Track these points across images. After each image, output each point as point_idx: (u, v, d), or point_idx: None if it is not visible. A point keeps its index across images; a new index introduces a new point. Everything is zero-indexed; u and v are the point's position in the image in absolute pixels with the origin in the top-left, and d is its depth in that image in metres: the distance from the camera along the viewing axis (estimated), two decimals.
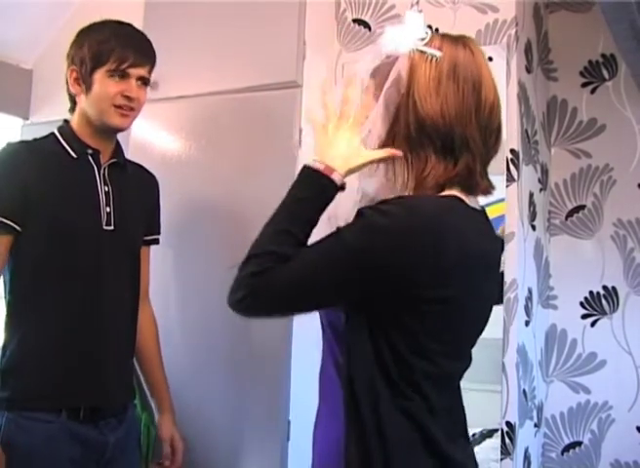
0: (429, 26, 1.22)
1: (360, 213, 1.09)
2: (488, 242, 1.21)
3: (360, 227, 1.07)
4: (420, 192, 1.15)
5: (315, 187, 1.15)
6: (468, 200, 1.16)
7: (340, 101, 1.21)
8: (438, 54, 1.16)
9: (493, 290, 1.31)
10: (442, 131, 1.13)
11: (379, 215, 1.06)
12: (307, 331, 2.09)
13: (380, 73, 1.21)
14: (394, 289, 1.06)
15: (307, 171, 1.15)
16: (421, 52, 1.17)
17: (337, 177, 1.14)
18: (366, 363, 1.10)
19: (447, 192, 1.15)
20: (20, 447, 1.59)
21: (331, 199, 1.16)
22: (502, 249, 1.33)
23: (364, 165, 1.18)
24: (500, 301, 1.93)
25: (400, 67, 1.17)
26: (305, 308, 1.17)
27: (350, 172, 1.17)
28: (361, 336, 1.10)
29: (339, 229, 1.09)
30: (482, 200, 1.24)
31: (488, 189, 1.20)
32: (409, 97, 1.15)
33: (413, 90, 1.15)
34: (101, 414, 1.72)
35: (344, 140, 1.18)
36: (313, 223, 1.15)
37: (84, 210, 1.72)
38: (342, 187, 1.16)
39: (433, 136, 1.14)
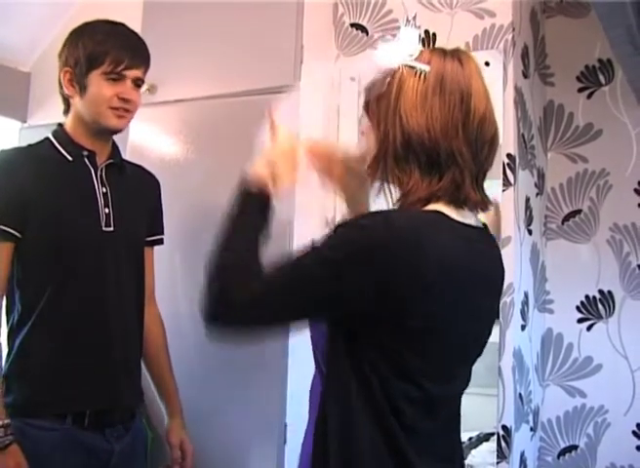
0: (426, 38, 1.22)
1: (337, 226, 1.09)
2: (481, 258, 1.18)
3: (336, 241, 1.08)
4: (403, 206, 1.14)
5: (255, 202, 1.23)
6: (458, 214, 1.14)
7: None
8: (426, 68, 1.15)
9: (490, 308, 1.27)
10: (427, 145, 1.12)
11: (355, 229, 1.07)
12: (305, 337, 2.09)
13: (374, 89, 1.22)
14: (373, 304, 1.05)
15: (244, 189, 1.24)
16: (410, 67, 1.16)
17: (268, 191, 1.23)
18: (344, 378, 1.09)
19: (431, 207, 1.13)
20: (25, 456, 1.57)
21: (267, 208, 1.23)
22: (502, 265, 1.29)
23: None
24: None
25: (388, 82, 1.18)
26: (283, 321, 1.17)
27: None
28: (339, 353, 1.10)
29: (314, 243, 1.10)
30: None
31: (481, 203, 1.18)
32: (395, 113, 1.15)
33: (399, 105, 1.15)
34: (108, 421, 1.70)
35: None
36: (266, 228, 1.22)
37: (82, 212, 1.71)
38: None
39: (418, 150, 1.13)
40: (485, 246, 1.21)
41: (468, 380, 1.24)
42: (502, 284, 1.29)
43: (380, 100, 1.18)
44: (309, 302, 1.09)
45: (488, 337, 1.25)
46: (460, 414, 1.25)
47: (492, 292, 1.25)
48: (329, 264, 1.06)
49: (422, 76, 1.15)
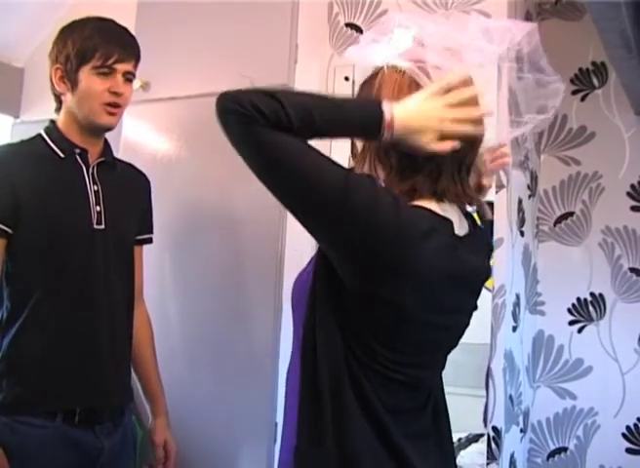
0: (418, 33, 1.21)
1: (374, 182, 1.09)
2: (462, 259, 1.17)
3: (373, 188, 1.07)
4: None
5: (365, 123, 1.11)
6: (441, 209, 1.15)
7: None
8: (407, 65, 1.16)
9: (469, 303, 1.27)
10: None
11: (389, 196, 1.07)
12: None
13: (365, 88, 1.23)
14: (346, 263, 1.07)
15: (375, 108, 1.11)
16: (393, 66, 1.18)
17: (385, 135, 1.11)
18: (323, 354, 1.11)
19: (417, 203, 1.14)
20: (13, 451, 1.57)
21: (361, 139, 1.18)
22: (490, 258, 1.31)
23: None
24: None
25: (371, 82, 1.19)
26: (270, 177, 1.10)
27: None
28: (321, 333, 1.11)
29: (351, 170, 1.10)
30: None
31: (464, 196, 1.18)
32: None
33: (378, 98, 1.15)
34: (98, 417, 1.70)
35: (426, 113, 1.13)
36: (330, 138, 1.16)
37: (74, 209, 1.71)
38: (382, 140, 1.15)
39: (397, 147, 1.14)
40: (472, 248, 1.21)
41: (443, 366, 1.26)
42: (485, 280, 1.30)
43: (363, 97, 1.21)
44: (307, 198, 1.07)
45: (465, 329, 1.26)
46: (444, 399, 1.28)
47: (472, 291, 1.26)
48: (350, 191, 1.04)
49: (403, 72, 1.17)
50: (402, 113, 1.11)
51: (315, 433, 1.10)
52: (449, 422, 1.29)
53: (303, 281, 1.19)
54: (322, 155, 1.08)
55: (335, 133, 1.14)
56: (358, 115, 1.12)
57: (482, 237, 1.32)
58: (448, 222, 1.14)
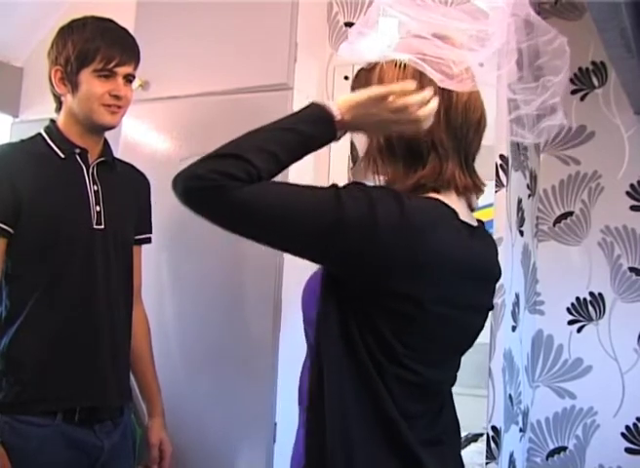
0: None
1: (361, 185, 1.07)
2: (477, 253, 1.17)
3: (362, 198, 1.04)
4: None
5: (321, 130, 1.11)
6: (448, 200, 1.14)
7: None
8: (405, 57, 1.15)
9: (483, 300, 1.25)
10: (407, 137, 1.13)
11: (367, 199, 1.04)
12: (294, 335, 2.09)
13: (358, 81, 1.22)
14: (362, 272, 1.05)
15: (322, 112, 1.11)
16: (392, 60, 1.17)
17: (339, 133, 1.11)
18: (337, 354, 1.08)
19: (429, 195, 1.13)
20: (14, 450, 1.57)
21: (320, 148, 1.13)
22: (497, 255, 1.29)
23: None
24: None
25: (369, 78, 1.18)
26: (258, 238, 1.09)
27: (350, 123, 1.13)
28: (332, 331, 1.08)
29: (336, 185, 1.07)
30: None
31: (473, 187, 1.18)
32: None
33: None
34: (98, 416, 1.71)
35: (369, 108, 1.12)
36: (294, 162, 1.11)
37: (74, 209, 1.71)
38: (337, 140, 1.14)
39: (400, 144, 1.14)
40: (481, 241, 1.21)
41: (457, 369, 1.24)
42: (498, 278, 1.29)
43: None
44: (300, 234, 1.04)
45: (480, 330, 1.25)
46: (452, 401, 1.25)
47: (484, 283, 1.24)
48: (343, 211, 1.02)
49: (402, 66, 1.16)
50: (348, 109, 1.11)
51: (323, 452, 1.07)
52: (459, 430, 1.28)
53: (314, 285, 1.17)
54: (296, 185, 1.07)
55: (297, 157, 1.11)
56: (311, 128, 1.10)
57: (488, 233, 1.32)
58: (454, 212, 1.13)
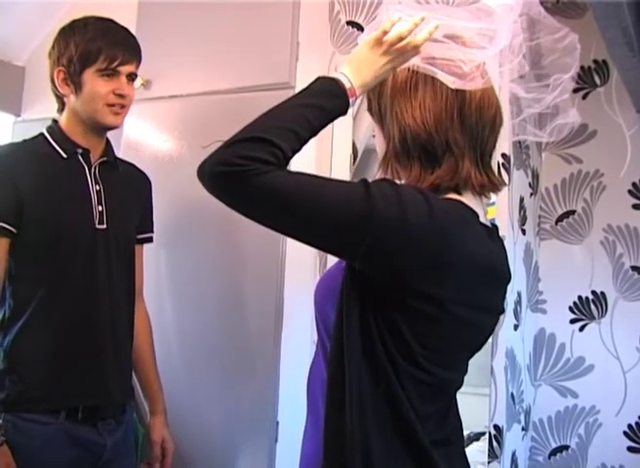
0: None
1: (390, 181, 1.07)
2: (494, 254, 1.17)
3: (393, 195, 1.02)
4: None
5: (336, 103, 1.12)
6: (467, 201, 1.13)
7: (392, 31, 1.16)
8: (415, 63, 1.15)
9: (497, 302, 1.25)
10: (422, 139, 1.13)
11: (416, 191, 1.05)
12: (297, 334, 2.09)
13: (372, 90, 1.22)
14: (387, 268, 1.04)
15: (334, 84, 1.12)
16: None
17: (352, 101, 1.13)
18: (355, 355, 1.07)
19: (450, 196, 1.13)
20: (17, 449, 1.58)
21: (336, 119, 1.14)
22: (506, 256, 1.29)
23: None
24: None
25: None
26: (281, 225, 1.08)
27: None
28: (353, 327, 1.07)
29: (365, 180, 1.05)
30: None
31: (490, 185, 1.17)
32: (392, 111, 1.16)
33: (395, 102, 1.16)
34: (101, 414, 1.71)
35: (373, 61, 1.15)
36: (313, 136, 1.11)
37: (76, 209, 1.72)
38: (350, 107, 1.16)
39: (415, 145, 1.13)
40: (496, 243, 1.20)
41: (466, 371, 1.24)
42: (509, 280, 1.28)
43: (380, 100, 1.19)
44: (324, 225, 1.03)
45: (491, 333, 1.25)
46: (456, 401, 1.25)
47: (499, 285, 1.24)
48: (364, 189, 1.02)
49: (414, 71, 1.16)
50: (354, 74, 1.13)
51: (342, 445, 1.06)
52: (463, 430, 1.28)
53: (329, 281, 1.17)
54: (326, 178, 1.06)
55: (316, 132, 1.11)
56: (326, 102, 1.11)
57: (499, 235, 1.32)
58: (475, 213, 1.13)
